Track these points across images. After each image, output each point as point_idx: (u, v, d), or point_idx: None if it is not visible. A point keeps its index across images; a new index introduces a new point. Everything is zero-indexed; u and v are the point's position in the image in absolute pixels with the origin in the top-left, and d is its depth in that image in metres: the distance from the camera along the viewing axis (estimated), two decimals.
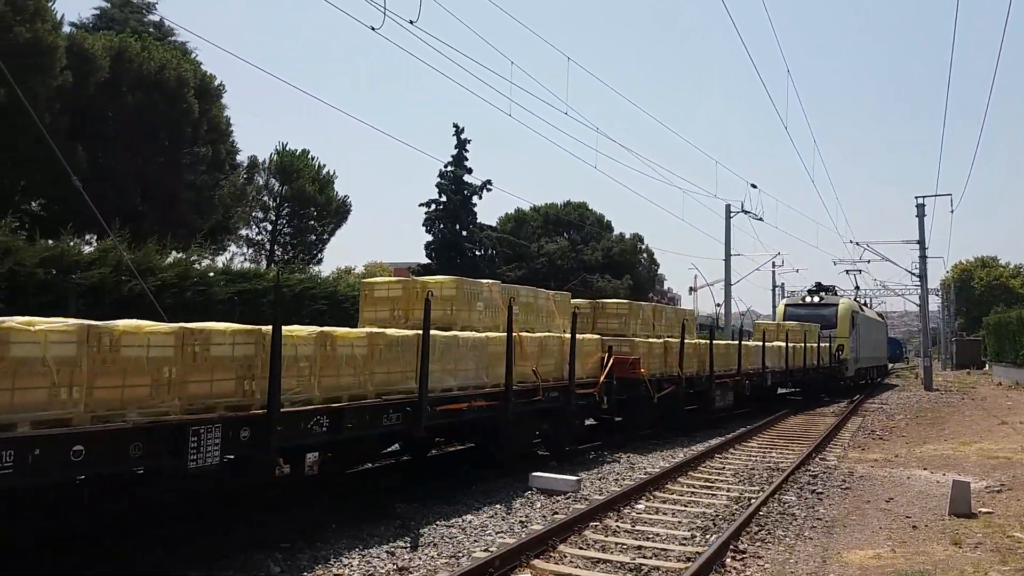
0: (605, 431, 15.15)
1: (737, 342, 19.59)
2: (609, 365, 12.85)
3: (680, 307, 19.38)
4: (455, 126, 45.85)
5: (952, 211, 54.64)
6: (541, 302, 12.41)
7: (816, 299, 32.75)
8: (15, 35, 22.17)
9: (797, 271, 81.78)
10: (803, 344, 25.11)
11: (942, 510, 9.47)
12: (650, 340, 15.05)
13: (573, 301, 15.11)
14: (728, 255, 36.53)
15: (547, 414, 11.43)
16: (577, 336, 11.95)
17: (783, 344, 23.39)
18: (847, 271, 44.15)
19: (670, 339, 15.87)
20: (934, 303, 67.16)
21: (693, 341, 16.89)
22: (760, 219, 35.72)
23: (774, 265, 53.41)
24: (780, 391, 26.64)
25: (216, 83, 31.21)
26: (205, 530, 7.26)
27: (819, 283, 35.64)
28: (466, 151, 46.04)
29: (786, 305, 33.89)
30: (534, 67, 21.96)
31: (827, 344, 28.29)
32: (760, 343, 21.34)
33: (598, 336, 13.60)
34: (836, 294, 34.91)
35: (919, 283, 41.06)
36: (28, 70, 21.52)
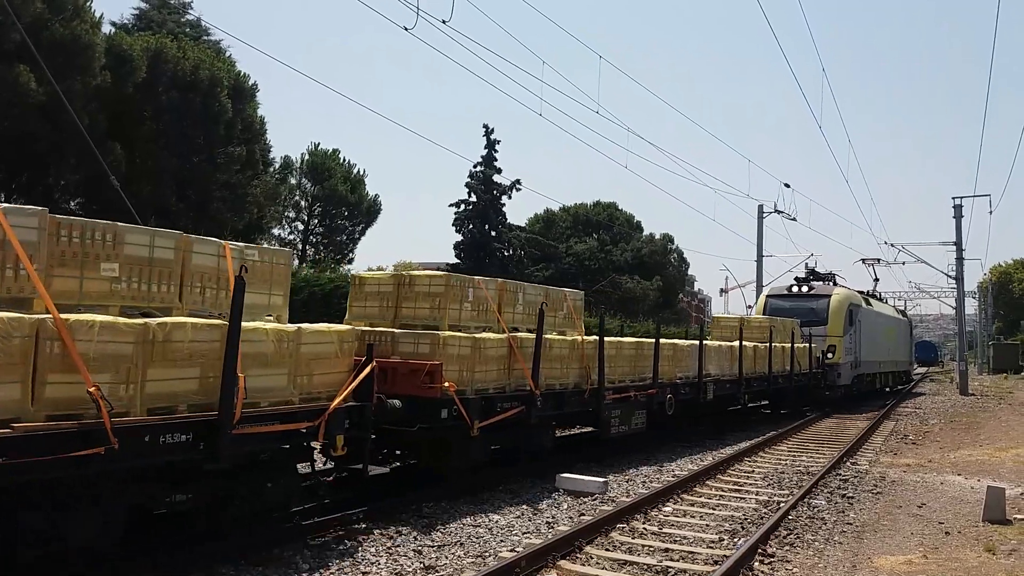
0: (387, 487, 9.28)
1: (653, 340, 13.38)
2: (359, 378, 7.34)
3: (560, 288, 12.27)
4: (485, 127, 46.17)
5: (991, 212, 53.49)
6: (202, 259, 6.62)
7: (804, 289, 26.62)
8: (54, 33, 22.64)
9: (831, 272, 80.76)
10: (768, 344, 19.02)
11: (976, 516, 9.32)
12: (480, 336, 9.42)
13: (369, 274, 10.39)
14: (760, 256, 36.21)
15: (165, 476, 6.10)
16: (283, 327, 6.77)
17: (734, 345, 17.29)
18: (863, 260, 37.16)
19: (522, 334, 10.24)
20: (971, 306, 66.05)
21: (568, 338, 11.36)
22: (793, 219, 35.28)
23: (807, 266, 52.70)
24: (755, 403, 21.43)
25: (250, 83, 31.61)
26: (234, 525, 7.37)
27: (813, 269, 29.53)
28: (495, 151, 46.28)
29: (767, 297, 27.07)
30: (565, 66, 21.81)
31: (810, 345, 22.58)
32: (695, 342, 15.23)
33: (347, 327, 7.89)
34: (836, 283, 28.48)
35: (955, 285, 40.37)
36: (67, 69, 21.99)
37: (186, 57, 28.10)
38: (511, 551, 7.14)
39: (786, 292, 26.69)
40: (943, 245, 39.17)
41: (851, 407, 24.76)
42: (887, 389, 32.84)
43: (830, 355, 24.21)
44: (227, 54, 34.31)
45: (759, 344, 18.89)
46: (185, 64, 27.82)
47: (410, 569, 6.61)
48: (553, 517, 8.69)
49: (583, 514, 8.86)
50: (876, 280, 37.69)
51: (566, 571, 6.77)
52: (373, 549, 7.09)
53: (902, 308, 42.08)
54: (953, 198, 36.79)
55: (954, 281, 40.22)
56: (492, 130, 46.11)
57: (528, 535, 7.87)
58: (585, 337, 11.78)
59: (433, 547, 7.30)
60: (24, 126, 22.06)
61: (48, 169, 24.46)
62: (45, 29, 22.29)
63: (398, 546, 7.23)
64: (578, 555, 7.24)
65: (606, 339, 11.96)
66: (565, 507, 9.23)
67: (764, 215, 35.35)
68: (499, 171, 46.34)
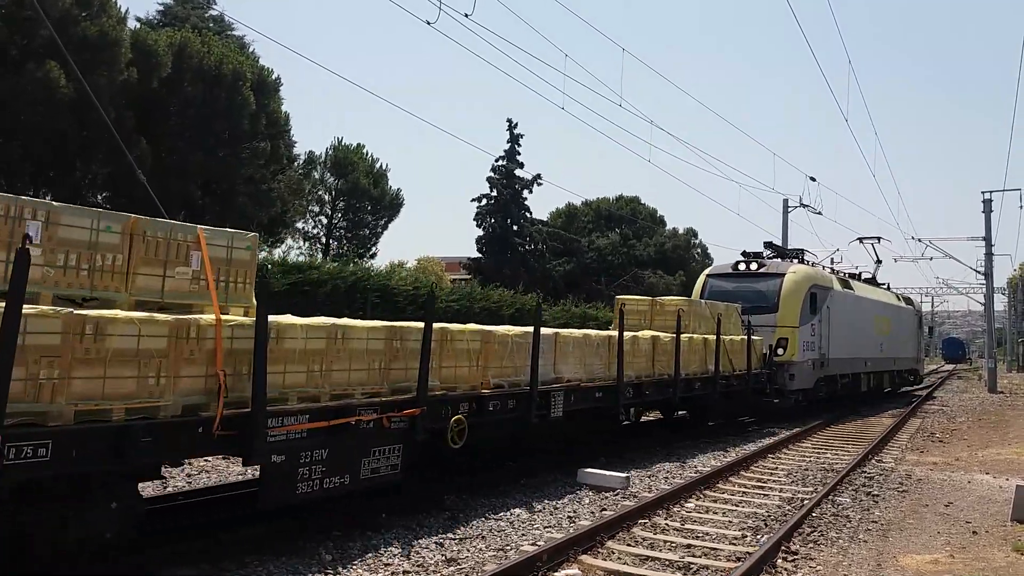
0: None
1: (422, 324, 7.67)
2: None
3: (178, 223, 6.25)
4: (509, 121, 46.05)
5: (1021, 206, 52.58)
6: None
7: (754, 267, 20.48)
8: (82, 30, 22.92)
9: (857, 267, 79.69)
10: (675, 336, 13.18)
11: (1004, 516, 9.19)
12: None
13: None
14: (786, 251, 35.79)
15: None
16: None
17: (612, 335, 11.68)
18: (860, 239, 31.47)
19: None
20: (1000, 302, 65.10)
21: (166, 318, 5.51)
22: (819, 213, 34.61)
23: (832, 261, 51.82)
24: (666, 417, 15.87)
25: (273, 77, 31.81)
26: (257, 517, 7.45)
27: (770, 243, 23.62)
28: (518, 145, 46.21)
29: (707, 276, 21.33)
30: (588, 59, 21.56)
31: (748, 337, 16.59)
32: (531, 329, 9.48)
33: None
34: (804, 260, 22.66)
35: (984, 281, 39.81)
36: (95, 65, 22.25)
37: (210, 52, 28.32)
38: (532, 545, 7.14)
39: (730, 271, 20.96)
40: (972, 240, 38.61)
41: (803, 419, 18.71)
42: (886, 390, 28.25)
43: (780, 351, 18.62)
44: (251, 49, 34.59)
45: (663, 335, 13.17)
46: (210, 59, 28.04)
47: (432, 561, 6.64)
48: (574, 512, 8.69)
49: (604, 509, 8.85)
50: (878, 262, 31.52)
51: (588, 566, 6.77)
52: (396, 542, 7.13)
53: (907, 296, 33.36)
54: (983, 192, 36.23)
55: (983, 277, 39.69)
56: (515, 124, 46.06)
57: (549, 529, 7.88)
58: (241, 317, 6.26)
59: (455, 540, 7.33)
60: (53, 122, 22.36)
61: (76, 163, 24.80)
62: (73, 25, 22.57)
63: (420, 538, 7.27)
64: (600, 550, 7.23)
65: (310, 322, 6.77)
66: (587, 502, 9.23)
67: (789, 209, 34.91)
68: (521, 165, 46.31)
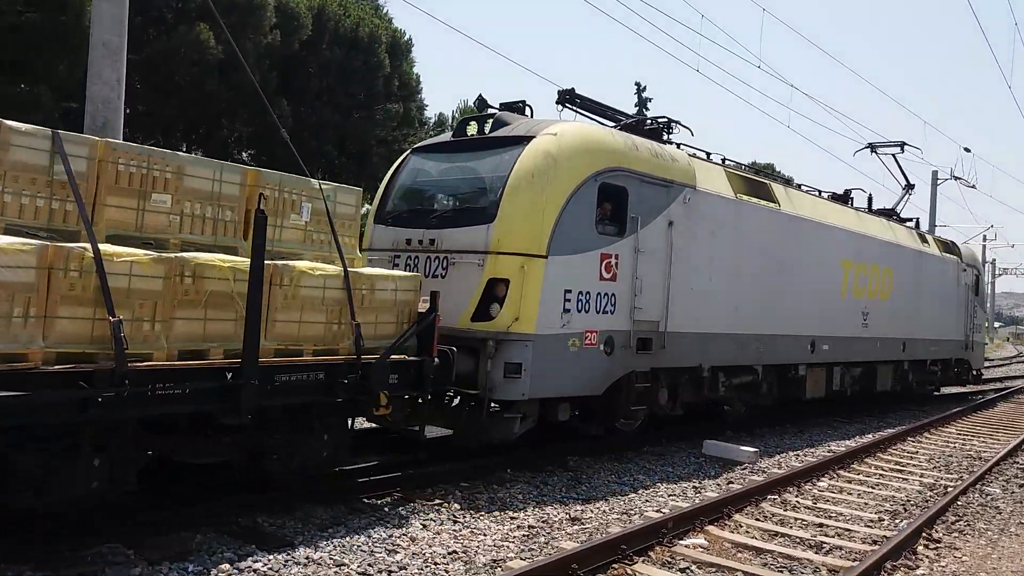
0: None
1: None
2: None
3: None
4: (636, 84, 45.12)
5: None
6: None
7: (488, 128, 8.98)
8: None
9: (1012, 246, 74.05)
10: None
11: None
12: None
13: None
14: (932, 225, 33.58)
15: None
16: None
17: None
18: (871, 146, 18.87)
19: None
20: None
21: None
22: (972, 187, 32.18)
23: (985, 239, 48.10)
24: None
25: (405, 39, 32.30)
26: (395, 463, 7.71)
27: (569, 90, 10.43)
28: (647, 109, 45.21)
29: (412, 153, 9.84)
30: (725, 20, 20.64)
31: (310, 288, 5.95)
32: None
33: None
34: (641, 130, 10.25)
35: None
36: (242, 28, 23.25)
37: (347, 15, 29.03)
38: (657, 512, 7.06)
39: (450, 139, 9.71)
40: None
41: None
42: (892, 390, 15.76)
43: (496, 307, 7.83)
44: (384, 11, 35.19)
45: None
46: (346, 21, 28.76)
47: (556, 518, 6.68)
48: (700, 483, 8.52)
49: (731, 482, 8.64)
50: (908, 187, 18.83)
51: (714, 536, 6.62)
52: (521, 496, 7.21)
53: (948, 240, 19.76)
54: None
55: None
56: (644, 87, 45.12)
57: (674, 498, 7.76)
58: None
59: (578, 500, 7.34)
60: (203, 82, 23.60)
61: (223, 122, 26.14)
62: None
63: (544, 495, 7.32)
64: (727, 522, 7.06)
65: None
66: (712, 474, 9.04)
67: (939, 182, 32.63)
68: None
